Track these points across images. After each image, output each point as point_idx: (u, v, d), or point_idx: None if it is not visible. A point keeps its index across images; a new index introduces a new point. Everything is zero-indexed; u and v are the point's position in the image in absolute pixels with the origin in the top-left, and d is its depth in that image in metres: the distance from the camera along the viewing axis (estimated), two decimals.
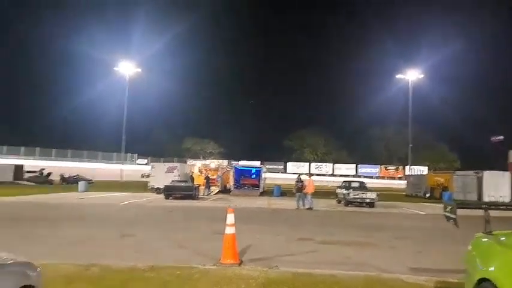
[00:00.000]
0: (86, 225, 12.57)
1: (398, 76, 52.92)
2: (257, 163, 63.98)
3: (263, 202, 24.76)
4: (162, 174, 30.50)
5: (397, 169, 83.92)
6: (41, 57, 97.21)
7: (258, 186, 33.02)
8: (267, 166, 57.07)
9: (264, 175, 35.02)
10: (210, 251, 8.26)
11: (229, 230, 7.32)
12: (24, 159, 60.84)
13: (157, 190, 28.77)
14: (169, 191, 25.18)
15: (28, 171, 46.38)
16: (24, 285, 3.25)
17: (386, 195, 32.36)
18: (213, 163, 37.95)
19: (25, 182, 42.63)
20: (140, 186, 35.68)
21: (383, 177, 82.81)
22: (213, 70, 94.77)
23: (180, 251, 8.84)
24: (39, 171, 47.36)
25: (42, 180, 44.26)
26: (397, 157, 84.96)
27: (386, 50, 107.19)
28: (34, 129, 78.90)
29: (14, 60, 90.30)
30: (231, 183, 34.07)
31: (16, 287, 3.14)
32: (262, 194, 31.71)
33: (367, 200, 22.62)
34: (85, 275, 6.27)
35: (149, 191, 30.54)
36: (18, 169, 45.04)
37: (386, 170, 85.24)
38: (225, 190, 33.42)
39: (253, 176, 35.01)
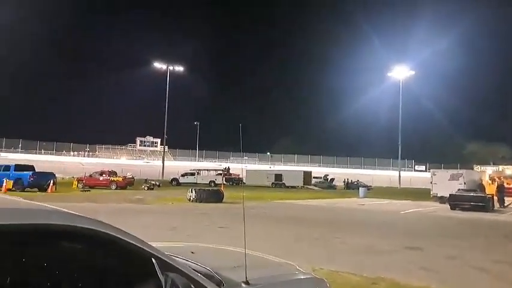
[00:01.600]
0: (366, 233, 12.39)
1: None
2: None
3: None
4: (444, 181, 28.14)
5: None
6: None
7: None
8: None
9: None
10: None
11: None
12: (311, 166, 68.32)
13: (441, 199, 26.57)
14: (455, 201, 22.72)
15: (315, 177, 51.89)
16: None
17: None
18: (508, 170, 31.97)
19: (312, 187, 47.64)
20: (419, 193, 33.79)
21: None
22: (497, 69, 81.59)
23: (474, 273, 7.38)
24: (324, 177, 52.36)
25: (326, 186, 48.70)
26: None
27: None
28: (318, 138, 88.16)
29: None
30: None
31: None
32: None
33: None
34: None
35: (431, 199, 28.56)
36: (307, 175, 50.81)
37: None
38: None
39: None
